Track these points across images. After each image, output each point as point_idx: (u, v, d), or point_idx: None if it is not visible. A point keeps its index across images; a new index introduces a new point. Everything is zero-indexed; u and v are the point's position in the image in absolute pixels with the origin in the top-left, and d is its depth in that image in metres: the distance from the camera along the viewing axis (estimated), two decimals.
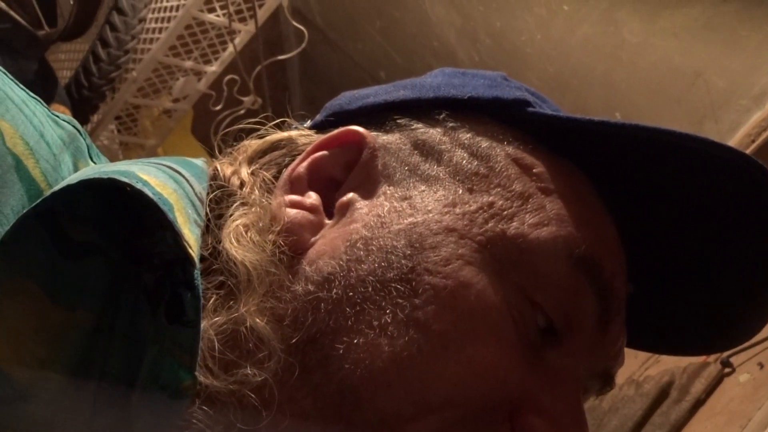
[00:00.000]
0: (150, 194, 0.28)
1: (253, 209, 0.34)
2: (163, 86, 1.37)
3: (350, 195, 0.35)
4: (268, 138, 0.38)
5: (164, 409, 0.28)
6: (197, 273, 0.28)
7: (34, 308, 0.27)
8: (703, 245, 0.38)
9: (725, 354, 0.92)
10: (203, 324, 0.30)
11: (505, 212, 0.33)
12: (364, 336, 0.30)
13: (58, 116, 0.33)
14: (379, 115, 0.37)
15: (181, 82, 1.34)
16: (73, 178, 0.29)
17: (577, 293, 0.33)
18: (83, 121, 1.34)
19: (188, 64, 1.33)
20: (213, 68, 1.38)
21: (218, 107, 1.41)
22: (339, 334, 0.30)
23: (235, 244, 0.32)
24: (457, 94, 0.37)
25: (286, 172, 0.36)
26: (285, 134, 0.39)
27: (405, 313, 0.30)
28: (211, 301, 0.31)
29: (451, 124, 0.36)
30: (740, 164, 0.34)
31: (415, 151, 0.35)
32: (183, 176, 0.33)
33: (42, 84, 1.20)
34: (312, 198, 0.35)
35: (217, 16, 1.29)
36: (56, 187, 0.28)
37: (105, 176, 0.28)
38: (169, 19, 1.27)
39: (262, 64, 1.35)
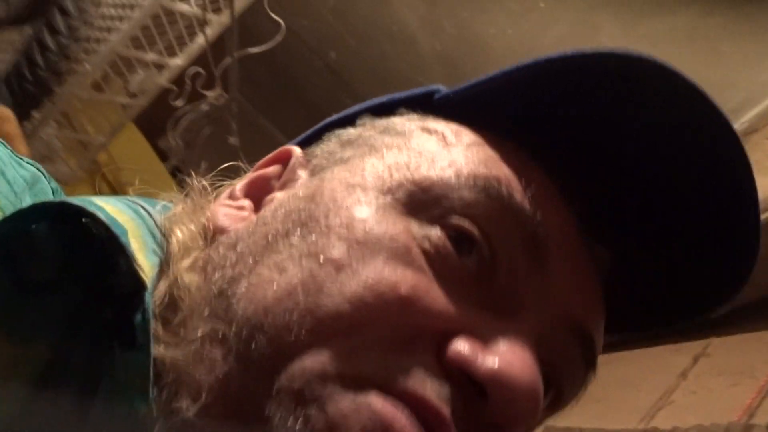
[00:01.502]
0: (102, 217, 0.29)
1: (188, 202, 0.37)
2: (120, 79, 1.19)
3: (275, 193, 0.37)
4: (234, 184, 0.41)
5: None
6: (148, 296, 0.29)
7: None
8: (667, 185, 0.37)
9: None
10: (152, 297, 0.31)
11: (410, 165, 0.34)
12: (259, 276, 0.31)
13: (22, 159, 0.35)
14: (317, 136, 0.41)
15: (141, 76, 1.17)
16: (26, 206, 0.29)
17: (492, 219, 0.33)
18: (24, 117, 1.15)
19: (150, 56, 1.16)
20: (178, 61, 1.21)
21: (179, 102, 1.25)
22: (240, 281, 0.31)
23: (169, 221, 0.35)
24: (379, 101, 0.41)
25: (225, 192, 0.38)
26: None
27: (299, 250, 0.31)
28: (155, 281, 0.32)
29: (371, 121, 0.39)
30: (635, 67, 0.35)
31: (338, 147, 0.37)
32: (144, 209, 0.34)
33: None
34: (242, 201, 0.37)
35: (189, 6, 1.13)
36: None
37: (57, 201, 0.30)
38: (132, 6, 1.10)
39: (233, 56, 1.20)
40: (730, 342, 1.19)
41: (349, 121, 0.40)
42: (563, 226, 0.35)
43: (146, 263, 0.31)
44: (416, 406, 0.28)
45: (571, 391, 0.37)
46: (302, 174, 0.37)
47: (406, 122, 0.38)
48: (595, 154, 0.37)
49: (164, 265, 0.32)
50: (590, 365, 0.37)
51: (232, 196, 0.37)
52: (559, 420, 1.23)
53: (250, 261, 0.31)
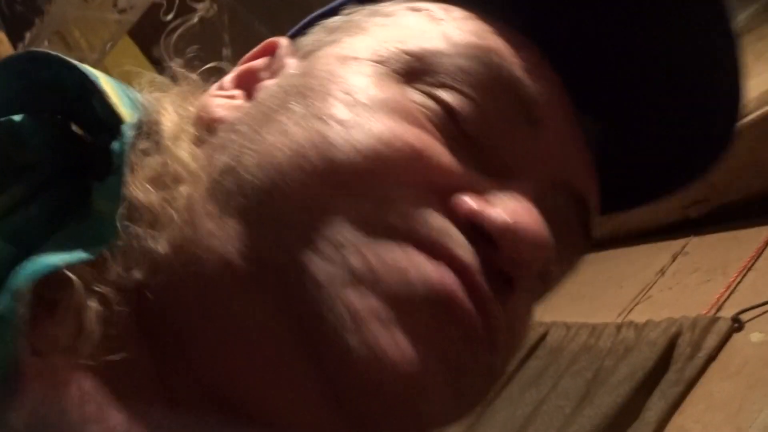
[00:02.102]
0: (72, 61, 0.29)
1: (174, 89, 0.37)
2: None
3: (265, 81, 0.37)
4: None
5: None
6: (126, 126, 0.29)
7: None
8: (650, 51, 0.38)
9: (735, 311, 0.96)
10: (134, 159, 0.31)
11: (401, 38, 0.35)
12: (263, 143, 0.31)
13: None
14: (302, 32, 0.41)
15: None
16: None
17: (486, 86, 0.34)
18: (18, 39, 1.17)
19: None
20: None
21: (169, 17, 1.26)
22: (245, 154, 0.31)
23: (155, 99, 0.35)
24: None
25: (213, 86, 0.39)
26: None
27: (301, 115, 0.31)
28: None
29: (357, 8, 0.39)
30: None
31: (325, 34, 0.38)
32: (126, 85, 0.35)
33: None
34: (232, 92, 0.37)
35: None
36: None
37: (24, 52, 0.30)
38: None
39: None
40: (708, 241, 1.23)
41: (335, 14, 0.40)
42: (555, 94, 0.36)
43: (123, 109, 0.31)
44: (443, 256, 0.29)
45: (570, 258, 0.37)
46: (291, 61, 0.37)
47: (393, 5, 0.38)
48: (583, 31, 0.38)
49: (153, 139, 0.32)
50: (587, 232, 0.37)
51: (221, 88, 0.38)
52: (546, 315, 1.29)
53: (255, 137, 0.32)
